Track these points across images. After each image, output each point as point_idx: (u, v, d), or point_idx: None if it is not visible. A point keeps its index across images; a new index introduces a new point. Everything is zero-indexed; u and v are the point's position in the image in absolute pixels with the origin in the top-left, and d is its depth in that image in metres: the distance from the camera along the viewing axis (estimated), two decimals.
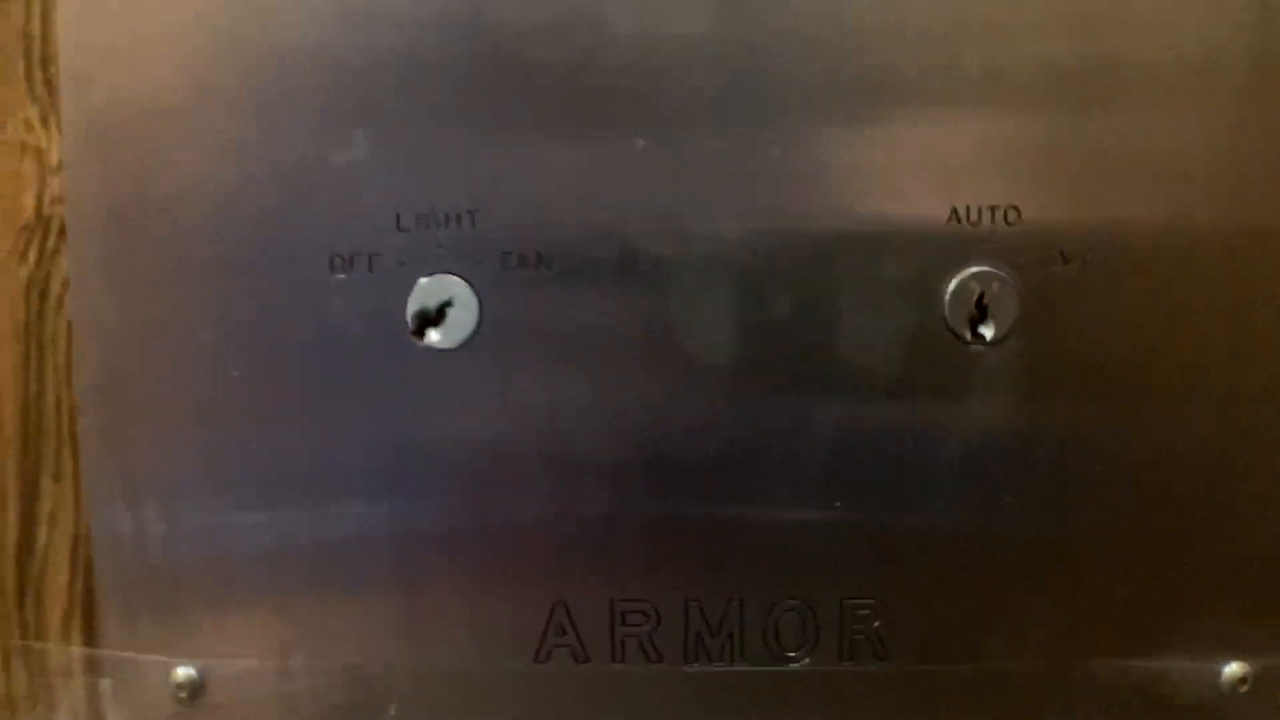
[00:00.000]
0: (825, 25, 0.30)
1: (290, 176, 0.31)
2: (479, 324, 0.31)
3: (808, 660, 0.32)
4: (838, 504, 0.32)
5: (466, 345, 0.31)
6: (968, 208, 0.31)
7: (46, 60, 0.33)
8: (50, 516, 0.34)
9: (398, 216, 0.31)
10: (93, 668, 0.34)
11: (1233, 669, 0.33)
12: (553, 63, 0.30)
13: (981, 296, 0.31)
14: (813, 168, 0.31)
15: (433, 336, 0.31)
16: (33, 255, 0.33)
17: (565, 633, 0.32)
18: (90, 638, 0.34)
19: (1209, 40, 0.30)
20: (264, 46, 0.31)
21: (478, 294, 0.31)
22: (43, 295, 0.33)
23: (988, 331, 0.31)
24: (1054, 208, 0.31)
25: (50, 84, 0.33)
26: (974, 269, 0.31)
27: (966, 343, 0.31)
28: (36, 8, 0.33)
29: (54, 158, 0.33)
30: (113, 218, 0.32)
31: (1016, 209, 0.31)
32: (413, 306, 0.31)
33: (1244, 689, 0.33)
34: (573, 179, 0.31)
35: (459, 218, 0.31)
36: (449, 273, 0.31)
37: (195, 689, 0.33)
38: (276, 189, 0.31)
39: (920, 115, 0.30)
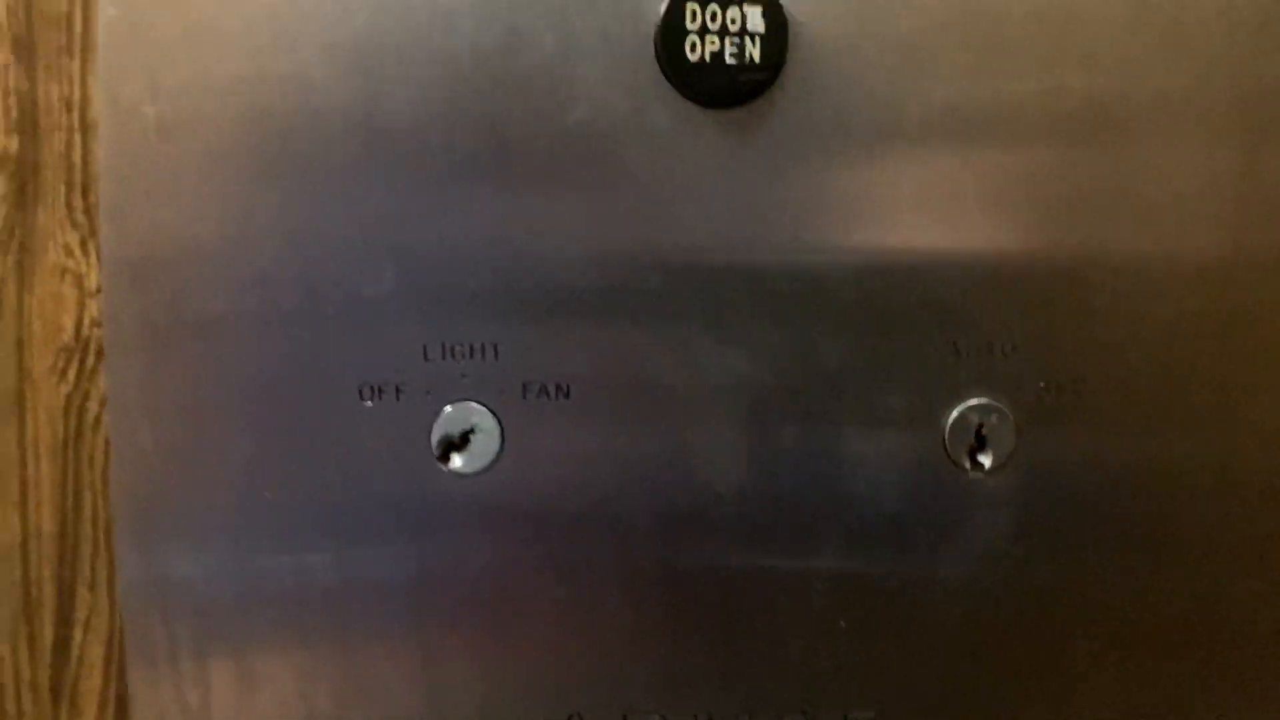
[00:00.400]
0: (821, 187, 0.32)
1: (322, 308, 0.32)
2: (501, 450, 0.32)
3: None
4: (842, 623, 0.33)
5: (489, 470, 0.32)
6: (968, 342, 0.32)
7: (86, 188, 0.34)
8: (85, 622, 0.35)
9: (424, 348, 0.32)
10: None
11: None
12: (573, 206, 0.32)
13: (980, 428, 0.32)
14: (820, 304, 0.32)
15: (456, 462, 0.32)
16: (72, 375, 0.34)
17: None
18: None
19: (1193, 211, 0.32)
20: (297, 183, 0.32)
21: (500, 422, 0.32)
22: (81, 414, 0.34)
23: (986, 460, 0.32)
24: (1050, 342, 0.32)
25: (89, 211, 0.34)
26: (973, 401, 0.32)
27: (965, 471, 0.33)
28: (77, 136, 0.34)
29: (92, 282, 0.34)
30: (149, 341, 0.33)
31: (1014, 344, 0.32)
32: (437, 433, 0.32)
33: None
34: (592, 314, 0.32)
35: (482, 349, 0.32)
36: (472, 401, 0.32)
37: None
38: (309, 320, 0.32)
39: (922, 252, 0.32)
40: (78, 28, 0.34)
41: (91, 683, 0.35)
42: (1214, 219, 0.32)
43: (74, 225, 0.34)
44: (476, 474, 0.32)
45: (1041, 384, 0.32)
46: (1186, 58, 0.31)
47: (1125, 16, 0.31)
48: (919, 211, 0.32)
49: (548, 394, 0.32)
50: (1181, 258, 0.32)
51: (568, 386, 0.32)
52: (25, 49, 0.34)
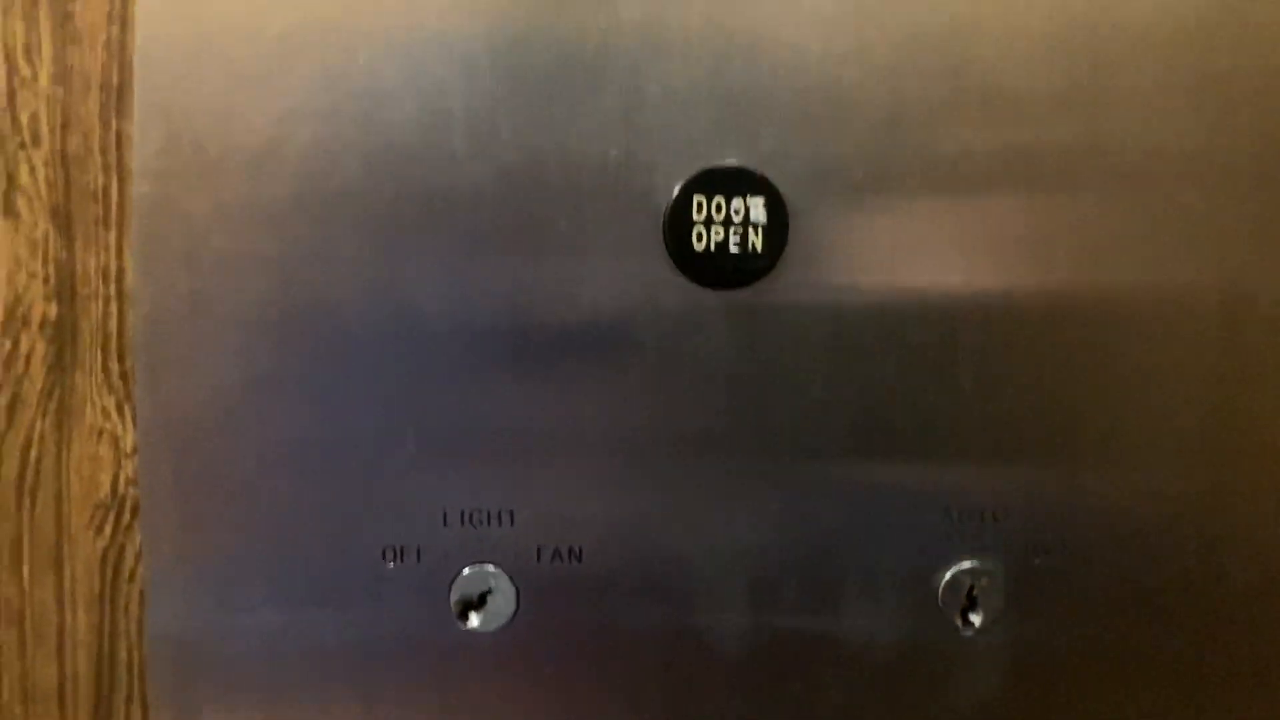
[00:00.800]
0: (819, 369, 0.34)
1: (347, 475, 0.34)
2: (517, 611, 0.34)
3: None
4: None
5: (505, 629, 0.34)
6: (959, 508, 0.34)
7: (122, 354, 0.36)
8: None
9: (444, 514, 0.34)
10: None
11: None
12: (584, 381, 0.33)
13: (971, 589, 0.34)
14: (820, 473, 0.34)
15: (474, 621, 0.34)
16: (108, 530, 0.36)
17: None
18: None
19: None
20: (323, 356, 0.34)
21: (515, 584, 0.34)
22: (116, 567, 0.36)
23: (977, 619, 0.34)
24: (1037, 509, 0.34)
25: (125, 376, 0.36)
26: (965, 565, 0.34)
27: (958, 629, 0.34)
28: (114, 305, 0.36)
29: (128, 443, 0.36)
30: (182, 501, 0.35)
31: (1004, 510, 0.34)
32: (456, 595, 0.34)
33: None
34: (604, 483, 0.34)
35: (499, 516, 0.34)
36: (490, 564, 0.34)
37: None
38: (335, 486, 0.34)
39: (916, 422, 0.34)
40: (114, 200, 0.36)
41: None
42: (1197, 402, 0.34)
43: (110, 389, 0.36)
44: (494, 633, 0.34)
45: (1030, 547, 0.34)
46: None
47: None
48: (911, 385, 0.34)
49: (561, 558, 0.34)
50: (1158, 444, 0.34)
51: (580, 550, 0.34)
52: (63, 219, 0.36)
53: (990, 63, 0.33)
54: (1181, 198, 0.33)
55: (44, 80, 0.36)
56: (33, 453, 0.36)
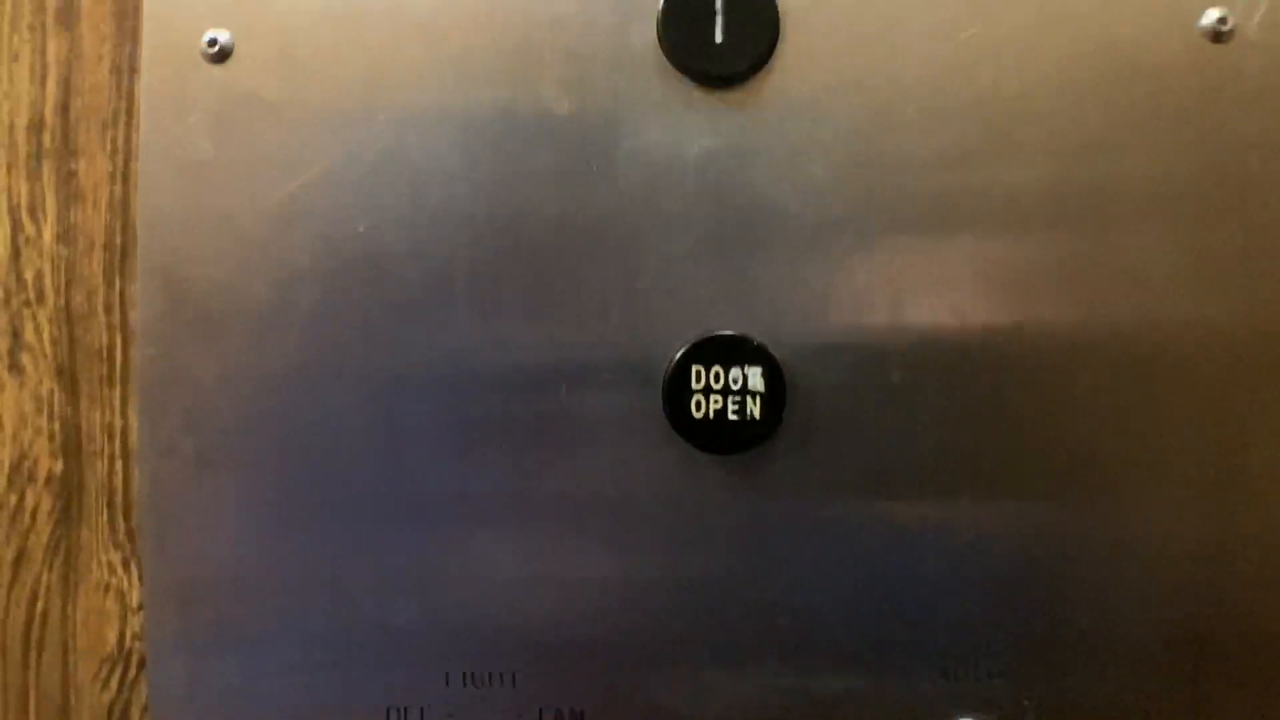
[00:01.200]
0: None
1: (352, 635, 0.34)
2: None
3: None
4: None
5: None
6: (956, 666, 0.34)
7: (127, 511, 0.36)
8: None
9: (447, 675, 0.34)
10: None
11: None
12: (585, 543, 0.34)
13: None
14: (818, 635, 0.34)
15: None
16: (114, 683, 0.37)
17: None
18: None
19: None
20: (328, 518, 0.34)
21: None
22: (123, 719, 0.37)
23: None
24: (1032, 665, 0.34)
25: (131, 533, 0.36)
26: None
27: None
28: (119, 463, 0.36)
29: (134, 599, 0.36)
30: (188, 656, 0.35)
31: (999, 668, 0.34)
32: None
33: None
34: (605, 646, 0.34)
35: (501, 677, 0.34)
36: None
37: None
38: (339, 645, 0.34)
39: (912, 583, 0.34)
40: (118, 359, 0.36)
41: None
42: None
43: (116, 545, 0.36)
44: None
45: (1026, 702, 0.35)
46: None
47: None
48: (906, 546, 0.34)
49: (563, 718, 0.35)
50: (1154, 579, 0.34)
51: (581, 712, 0.34)
52: (68, 377, 0.36)
53: (983, 227, 0.33)
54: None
55: (48, 238, 0.36)
56: (39, 606, 0.36)
